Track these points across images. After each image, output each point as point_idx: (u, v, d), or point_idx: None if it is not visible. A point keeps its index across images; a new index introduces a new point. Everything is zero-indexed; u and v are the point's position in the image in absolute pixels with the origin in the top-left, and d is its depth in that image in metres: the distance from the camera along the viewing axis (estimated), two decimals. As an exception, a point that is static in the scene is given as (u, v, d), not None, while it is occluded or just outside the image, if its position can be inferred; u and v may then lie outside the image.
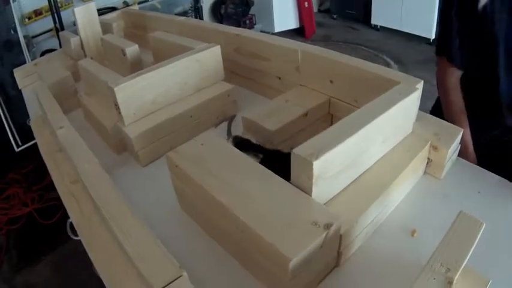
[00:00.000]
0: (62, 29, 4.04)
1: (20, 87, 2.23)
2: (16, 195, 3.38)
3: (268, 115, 1.27)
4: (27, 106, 1.98)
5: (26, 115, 1.95)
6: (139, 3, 4.64)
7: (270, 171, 0.92)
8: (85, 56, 2.13)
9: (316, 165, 0.80)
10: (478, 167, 1.19)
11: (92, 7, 2.11)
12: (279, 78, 1.52)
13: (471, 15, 1.49)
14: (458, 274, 0.66)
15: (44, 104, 1.49)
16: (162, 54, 1.78)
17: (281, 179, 0.89)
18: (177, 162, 0.98)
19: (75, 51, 2.11)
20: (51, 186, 3.17)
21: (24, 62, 3.73)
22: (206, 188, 0.89)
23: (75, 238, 1.17)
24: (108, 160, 1.35)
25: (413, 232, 0.98)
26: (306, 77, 1.41)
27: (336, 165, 0.88)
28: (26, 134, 3.76)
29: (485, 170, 1.17)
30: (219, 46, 1.51)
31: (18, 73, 2.21)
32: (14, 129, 3.75)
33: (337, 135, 0.87)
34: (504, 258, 0.89)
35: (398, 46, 6.00)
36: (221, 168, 0.94)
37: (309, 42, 6.28)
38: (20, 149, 3.82)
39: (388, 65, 5.38)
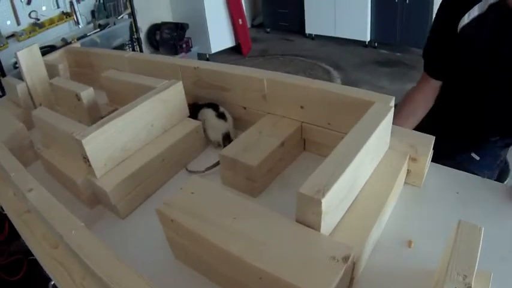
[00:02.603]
0: (2, 72, 3.93)
1: (-34, 142, 2.11)
2: (-25, 254, 3.25)
3: (245, 150, 1.25)
4: (-23, 162, 1.89)
5: None
6: (78, 39, 4.55)
7: (270, 211, 0.91)
8: (33, 102, 2.04)
9: (324, 202, 0.80)
10: (450, 168, 1.25)
11: (36, 49, 1.99)
12: (244, 108, 1.50)
13: (451, 34, 1.55)
14: (473, 278, 0.69)
15: (3, 163, 1.41)
16: (118, 95, 1.74)
17: (283, 217, 0.88)
18: (171, 216, 0.94)
19: (22, 98, 1.99)
20: (11, 240, 3.05)
21: (-37, 112, 3.62)
22: (211, 240, 0.86)
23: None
24: (81, 216, 1.15)
25: (409, 243, 1.01)
26: (274, 105, 1.40)
27: (338, 197, 0.88)
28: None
29: (459, 171, 1.24)
30: (181, 82, 1.47)
31: (-38, 126, 2.10)
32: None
33: (336, 167, 0.87)
34: (492, 248, 0.93)
35: (335, 52, 6.11)
36: (220, 215, 0.92)
37: (247, 58, 6.33)
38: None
39: (328, 72, 5.45)
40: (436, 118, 1.68)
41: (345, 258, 0.77)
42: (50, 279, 1.17)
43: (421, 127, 1.30)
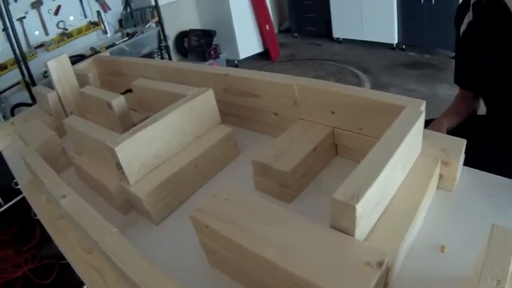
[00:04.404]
0: (32, 81, 3.99)
1: (-1, 149, 2.15)
2: (8, 258, 3.29)
3: (278, 155, 1.25)
4: (11, 168, 1.91)
5: (5, 174, 1.89)
6: (107, 48, 4.61)
7: (304, 217, 0.91)
8: (64, 111, 2.07)
9: (359, 207, 0.80)
10: (483, 172, 1.22)
11: (65, 59, 2.05)
12: (276, 114, 1.50)
13: (457, 40, 1.56)
14: (507, 283, 0.68)
15: (37, 170, 1.42)
16: (149, 102, 1.75)
17: (318, 223, 0.88)
18: (206, 223, 0.95)
19: (53, 107, 2.04)
20: (42, 244, 3.10)
21: (-5, 120, 3.69)
22: (246, 246, 0.86)
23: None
24: (115, 221, 1.22)
25: (442, 248, 0.99)
26: (306, 111, 1.39)
27: (372, 202, 0.88)
28: (7, 193, 3.68)
29: (491, 174, 1.21)
30: (211, 90, 1.48)
31: (-4, 134, 2.13)
32: (-7, 190, 3.68)
33: (369, 173, 0.87)
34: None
35: (362, 56, 6.09)
36: (254, 221, 0.92)
37: (275, 64, 6.34)
38: (2, 209, 3.74)
39: (356, 76, 5.44)
40: (483, 131, 1.66)
41: (380, 264, 0.77)
42: (82, 284, 1.19)
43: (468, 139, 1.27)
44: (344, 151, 1.38)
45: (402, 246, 0.91)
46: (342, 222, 0.84)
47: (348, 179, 0.86)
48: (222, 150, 1.47)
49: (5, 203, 3.74)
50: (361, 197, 0.80)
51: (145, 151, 1.32)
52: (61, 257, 1.31)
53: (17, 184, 1.82)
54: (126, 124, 1.66)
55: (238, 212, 0.96)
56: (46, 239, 1.38)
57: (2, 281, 3.09)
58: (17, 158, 1.87)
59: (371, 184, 0.84)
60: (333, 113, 1.31)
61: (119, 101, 1.65)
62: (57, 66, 2.01)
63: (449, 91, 4.51)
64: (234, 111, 1.66)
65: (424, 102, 1.12)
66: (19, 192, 2.26)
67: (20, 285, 3.08)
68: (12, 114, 4.10)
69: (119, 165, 1.27)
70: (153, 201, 1.28)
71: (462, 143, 1.15)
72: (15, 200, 3.71)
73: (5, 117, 4.05)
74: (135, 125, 1.39)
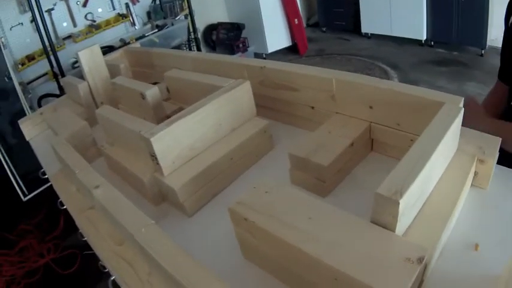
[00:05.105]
0: (62, 72, 4.01)
1: (27, 139, 2.16)
2: (30, 247, 3.32)
3: (315, 149, 1.25)
4: (38, 158, 1.94)
5: (31, 164, 1.89)
6: (136, 39, 4.64)
7: (344, 211, 0.90)
8: (95, 101, 2.08)
9: (402, 203, 0.80)
10: None
11: (97, 50, 2.05)
12: (312, 108, 1.49)
13: (506, 34, 1.54)
14: None
15: (68, 160, 1.42)
16: (181, 94, 1.76)
17: (358, 217, 0.88)
18: (245, 216, 0.95)
19: (84, 97, 2.04)
20: (65, 235, 3.12)
21: (22, 110, 3.74)
22: (286, 240, 0.86)
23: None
24: (147, 213, 1.14)
25: (476, 246, 0.98)
26: (343, 105, 1.39)
27: (413, 198, 0.88)
28: (32, 182, 3.72)
29: None
30: (248, 82, 1.48)
31: (24, 124, 2.14)
32: (19, 179, 3.72)
33: (412, 169, 0.86)
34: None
35: (391, 51, 6.06)
36: (294, 215, 0.92)
37: (304, 58, 6.33)
38: (27, 198, 3.78)
39: (385, 72, 5.41)
40: None
41: (420, 260, 0.77)
42: (105, 275, 1.19)
43: None
44: (379, 146, 1.37)
45: (439, 243, 0.91)
46: (383, 217, 0.84)
47: (391, 175, 0.86)
48: (258, 143, 1.47)
49: (29, 193, 3.78)
50: (404, 192, 0.80)
51: (181, 142, 1.32)
52: (84, 247, 1.31)
53: (44, 174, 1.83)
54: (160, 115, 1.67)
55: (278, 205, 0.95)
56: (70, 229, 1.38)
57: (25, 269, 3.12)
58: (45, 147, 1.89)
59: (413, 180, 0.83)
60: (371, 107, 1.30)
61: (152, 92, 1.65)
62: (89, 56, 2.02)
63: (477, 89, 4.47)
64: (269, 103, 1.65)
65: (463, 99, 1.12)
66: (44, 181, 2.27)
67: (42, 274, 3.12)
68: (39, 105, 4.13)
69: (154, 156, 1.28)
70: (187, 193, 1.28)
71: (497, 140, 1.15)
72: (39, 189, 3.74)
73: (31, 108, 4.08)
74: (168, 116, 1.39)
